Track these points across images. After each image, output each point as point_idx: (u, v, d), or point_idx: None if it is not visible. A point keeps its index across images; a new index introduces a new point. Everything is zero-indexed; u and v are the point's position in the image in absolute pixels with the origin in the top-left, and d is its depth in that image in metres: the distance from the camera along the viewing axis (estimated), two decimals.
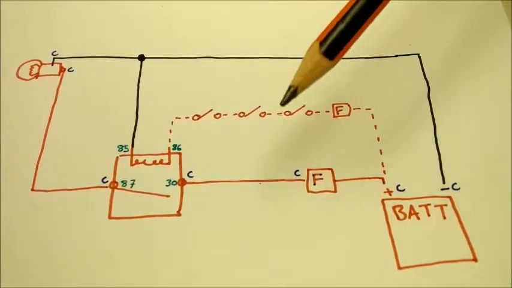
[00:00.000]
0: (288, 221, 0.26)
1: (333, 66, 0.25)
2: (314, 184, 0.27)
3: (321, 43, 0.25)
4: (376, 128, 0.29)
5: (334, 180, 0.27)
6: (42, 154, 0.29)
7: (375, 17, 0.26)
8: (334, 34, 0.25)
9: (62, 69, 0.32)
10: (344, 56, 0.32)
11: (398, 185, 0.27)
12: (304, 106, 0.30)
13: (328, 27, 0.25)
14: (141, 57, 0.32)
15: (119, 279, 0.25)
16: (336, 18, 0.25)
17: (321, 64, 0.25)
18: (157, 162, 0.28)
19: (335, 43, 0.25)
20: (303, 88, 0.25)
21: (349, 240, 0.25)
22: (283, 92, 0.30)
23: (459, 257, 0.25)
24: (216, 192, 0.27)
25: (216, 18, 0.34)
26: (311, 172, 0.28)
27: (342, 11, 0.25)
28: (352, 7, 0.25)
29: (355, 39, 0.25)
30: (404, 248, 0.25)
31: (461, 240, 0.25)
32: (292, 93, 0.25)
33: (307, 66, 0.25)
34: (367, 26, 0.26)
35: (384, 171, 0.27)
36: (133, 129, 0.29)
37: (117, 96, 0.31)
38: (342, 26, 0.25)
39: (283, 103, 0.25)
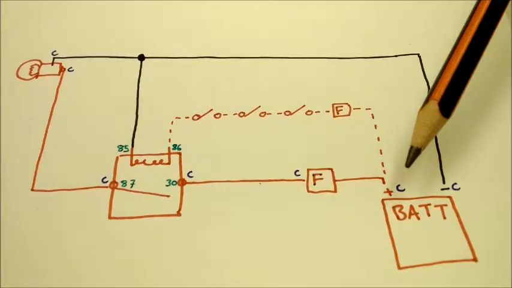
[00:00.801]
0: (288, 221, 0.26)
1: (446, 121, 0.26)
2: (314, 184, 0.27)
3: (439, 103, 0.26)
4: (376, 128, 0.29)
5: (334, 180, 0.27)
6: (42, 154, 0.29)
7: (477, 64, 0.27)
8: (450, 94, 0.26)
9: (62, 69, 0.32)
10: (344, 56, 0.32)
11: (398, 185, 0.27)
12: (304, 106, 0.30)
13: (440, 87, 0.26)
14: (141, 57, 0.32)
15: (119, 279, 0.25)
16: (444, 77, 0.26)
17: (440, 124, 0.26)
18: (157, 162, 0.28)
19: (452, 102, 0.26)
20: (424, 147, 0.26)
21: (349, 240, 0.25)
22: (283, 92, 0.31)
23: (459, 257, 0.25)
24: (216, 192, 0.27)
25: (215, 18, 0.34)
26: (311, 172, 0.28)
27: (448, 69, 0.26)
28: (459, 65, 0.26)
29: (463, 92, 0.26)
30: (404, 248, 0.25)
31: (461, 240, 0.25)
32: (415, 153, 0.26)
33: (427, 127, 0.26)
34: (473, 75, 0.27)
35: (384, 171, 0.27)
36: (133, 129, 0.29)
37: (117, 96, 0.31)
38: (455, 86, 0.26)
39: (408, 165, 0.26)
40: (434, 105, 0.26)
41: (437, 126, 0.26)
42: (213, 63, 0.32)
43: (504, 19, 0.33)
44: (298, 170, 0.28)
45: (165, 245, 0.26)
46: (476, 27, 0.27)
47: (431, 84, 0.30)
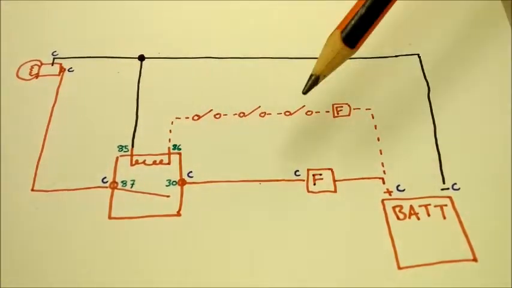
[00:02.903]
0: (288, 221, 0.26)
1: (353, 54, 0.26)
2: (314, 184, 0.27)
3: (342, 32, 0.25)
4: (376, 128, 0.29)
5: (334, 180, 0.27)
6: (42, 154, 0.29)
7: (392, 5, 0.26)
8: (355, 23, 0.26)
9: (62, 69, 0.32)
10: None
11: (398, 185, 0.27)
12: (304, 106, 0.30)
13: (347, 16, 0.26)
14: (141, 57, 0.32)
15: (119, 279, 0.25)
16: (354, 7, 0.26)
17: (342, 53, 0.26)
18: (157, 162, 0.28)
19: (356, 32, 0.26)
20: (324, 76, 0.26)
21: (349, 240, 0.25)
22: (284, 92, 0.31)
23: (459, 257, 0.25)
24: (216, 192, 0.27)
25: (216, 18, 0.34)
26: (311, 172, 0.28)
27: (359, 1, 0.26)
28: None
29: (374, 28, 0.26)
30: (404, 248, 0.25)
31: (461, 240, 0.25)
32: (313, 81, 0.26)
33: (328, 55, 0.26)
34: (385, 13, 0.26)
35: (384, 171, 0.27)
36: (133, 129, 0.29)
37: (117, 96, 0.31)
38: (361, 16, 0.26)
39: (305, 91, 0.26)
40: (337, 34, 0.26)
41: (340, 56, 0.26)
42: (213, 63, 0.32)
43: (504, 19, 0.33)
44: (298, 170, 0.28)
45: (165, 245, 0.26)
46: None
47: (431, 85, 0.30)
